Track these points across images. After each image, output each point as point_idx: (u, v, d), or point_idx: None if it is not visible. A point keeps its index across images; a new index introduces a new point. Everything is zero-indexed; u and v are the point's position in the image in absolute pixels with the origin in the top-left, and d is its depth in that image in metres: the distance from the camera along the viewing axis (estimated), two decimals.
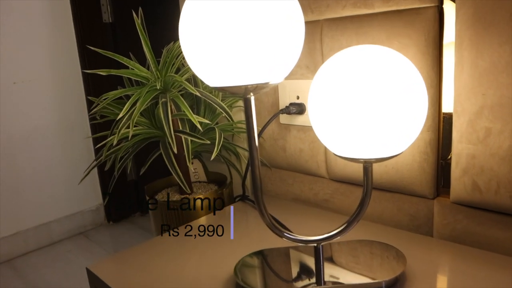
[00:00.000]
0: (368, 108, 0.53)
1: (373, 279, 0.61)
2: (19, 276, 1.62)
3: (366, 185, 0.61)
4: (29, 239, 1.82)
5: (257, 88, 0.55)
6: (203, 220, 0.91)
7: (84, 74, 1.85)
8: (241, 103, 1.06)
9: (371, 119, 0.53)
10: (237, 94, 0.56)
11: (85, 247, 1.84)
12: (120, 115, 0.82)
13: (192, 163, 1.12)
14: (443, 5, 0.69)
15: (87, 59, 1.82)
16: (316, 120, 0.59)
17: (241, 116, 1.07)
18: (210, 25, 0.50)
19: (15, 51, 1.68)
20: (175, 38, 1.07)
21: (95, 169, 1.97)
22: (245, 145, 1.07)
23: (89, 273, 0.75)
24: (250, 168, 0.59)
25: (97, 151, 1.88)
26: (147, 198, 1.01)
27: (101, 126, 1.85)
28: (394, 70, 0.52)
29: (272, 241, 0.78)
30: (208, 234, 0.83)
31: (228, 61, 0.51)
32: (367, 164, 0.60)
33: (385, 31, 0.74)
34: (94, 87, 1.84)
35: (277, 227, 0.61)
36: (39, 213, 1.85)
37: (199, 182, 1.13)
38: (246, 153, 1.05)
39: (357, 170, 0.83)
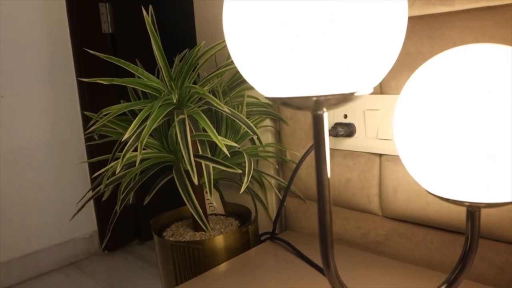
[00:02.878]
0: (485, 134, 0.36)
1: None
2: None
3: (470, 236, 0.44)
4: (12, 271, 1.61)
5: (332, 101, 0.38)
6: (224, 267, 0.73)
7: (80, 87, 1.67)
8: (267, 122, 0.89)
9: (488, 148, 0.37)
10: (303, 108, 0.40)
11: (77, 279, 1.64)
12: (126, 136, 0.65)
13: (207, 193, 0.94)
14: None
15: (84, 71, 1.65)
16: (406, 148, 0.43)
17: (266, 139, 0.90)
18: (271, 14, 0.33)
19: (3, 62, 1.50)
20: (187, 45, 0.91)
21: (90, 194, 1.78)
22: (272, 172, 0.90)
23: None
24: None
25: (94, 174, 1.69)
26: (154, 235, 0.83)
27: (98, 148, 1.66)
28: None
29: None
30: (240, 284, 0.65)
31: (295, 62, 0.34)
32: (474, 209, 0.43)
33: (471, 32, 0.58)
34: (91, 101, 1.67)
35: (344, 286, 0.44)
36: (24, 242, 1.64)
37: (215, 215, 0.95)
38: (274, 181, 0.88)
39: (426, 208, 0.66)
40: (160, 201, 0.92)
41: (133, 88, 0.83)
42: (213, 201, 0.92)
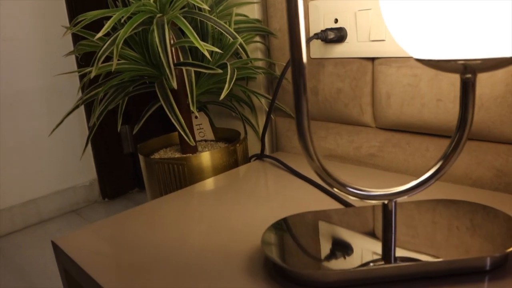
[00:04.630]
0: None
1: (469, 254, 0.39)
2: (3, 257, 1.42)
3: (464, 109, 0.40)
4: (15, 217, 1.62)
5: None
6: (211, 182, 0.70)
7: (74, 35, 1.62)
8: (257, 39, 0.84)
9: None
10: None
11: (77, 226, 1.64)
12: (99, 35, 0.61)
13: (196, 117, 0.91)
14: None
15: (75, 4, 1.58)
16: (393, 12, 0.38)
17: (257, 57, 0.85)
18: None
19: None
20: None
21: (89, 142, 1.76)
22: (263, 91, 0.85)
23: (55, 247, 0.54)
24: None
25: (89, 118, 1.66)
26: (139, 155, 0.80)
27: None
28: None
29: (306, 206, 0.57)
30: (218, 198, 0.62)
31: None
32: (468, 74, 0.39)
33: None
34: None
35: (332, 176, 0.40)
36: (25, 189, 1.64)
37: (205, 141, 0.92)
38: (264, 101, 0.84)
39: (420, 111, 0.61)
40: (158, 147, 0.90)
41: None
42: (199, 125, 0.88)
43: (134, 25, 0.65)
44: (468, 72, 0.38)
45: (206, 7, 0.62)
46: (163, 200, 0.63)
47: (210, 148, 0.85)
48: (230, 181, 0.69)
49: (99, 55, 0.63)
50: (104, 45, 0.64)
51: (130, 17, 0.66)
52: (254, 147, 0.90)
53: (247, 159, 0.84)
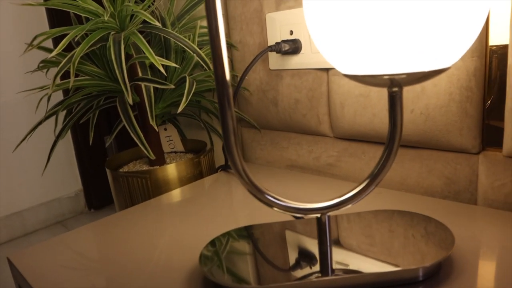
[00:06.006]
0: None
1: (402, 265, 0.40)
2: None
3: (393, 121, 0.40)
4: None
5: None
6: (174, 194, 0.71)
7: (55, 41, 1.63)
8: None
9: (403, 9, 0.33)
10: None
11: None
12: (53, 53, 0.61)
13: (166, 129, 0.91)
14: None
15: (57, 18, 1.60)
16: (317, 22, 0.39)
17: None
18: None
19: None
20: None
21: (73, 152, 1.77)
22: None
23: (11, 264, 0.55)
24: (223, 125, 0.38)
25: (74, 129, 1.67)
26: (106, 169, 0.81)
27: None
28: None
29: (262, 218, 0.57)
30: (178, 210, 0.63)
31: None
32: (395, 88, 0.40)
33: None
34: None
35: (262, 191, 0.40)
36: (10, 201, 1.65)
37: (175, 152, 0.93)
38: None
39: (372, 121, 0.62)
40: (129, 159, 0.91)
41: (74, 13, 0.79)
42: (169, 136, 0.89)
43: (91, 43, 0.66)
44: (394, 86, 0.39)
45: (157, 23, 0.63)
46: (120, 215, 0.64)
47: (179, 160, 0.86)
48: (193, 194, 0.69)
49: (55, 73, 0.64)
50: (61, 63, 0.64)
51: (88, 34, 0.67)
52: (223, 157, 0.91)
53: (213, 170, 0.84)
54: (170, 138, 0.92)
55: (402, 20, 0.33)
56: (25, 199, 1.68)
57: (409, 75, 0.37)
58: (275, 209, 0.41)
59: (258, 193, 0.40)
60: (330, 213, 0.43)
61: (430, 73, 0.37)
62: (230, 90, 0.37)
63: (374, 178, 0.40)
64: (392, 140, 0.40)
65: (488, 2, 0.35)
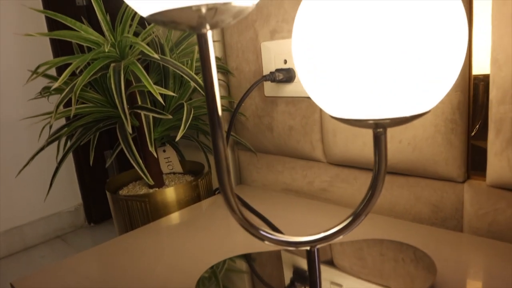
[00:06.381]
0: (381, 43, 0.35)
1: None
2: None
3: (378, 161, 0.43)
4: None
5: (215, 14, 0.36)
6: (173, 218, 0.73)
7: (55, 54, 1.66)
8: (218, 76, 0.87)
9: (385, 59, 0.35)
10: (188, 28, 0.38)
11: (62, 252, 1.66)
12: (56, 85, 0.64)
13: (164, 151, 0.94)
14: None
15: (60, 46, 1.64)
16: (304, 67, 0.41)
17: (222, 93, 0.89)
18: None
19: None
20: None
21: (73, 166, 1.79)
22: (225, 126, 0.89)
23: None
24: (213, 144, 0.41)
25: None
26: (106, 192, 0.83)
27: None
28: None
29: (258, 245, 0.60)
30: (176, 234, 0.65)
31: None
32: (379, 128, 0.42)
33: None
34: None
35: (254, 226, 0.43)
36: (10, 216, 1.67)
37: (174, 173, 0.95)
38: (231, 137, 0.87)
39: (363, 149, 0.65)
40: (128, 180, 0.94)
41: (77, 44, 0.82)
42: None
43: (92, 73, 0.68)
44: (379, 127, 0.41)
45: (155, 55, 0.66)
46: (121, 239, 0.66)
47: (177, 181, 0.88)
48: (191, 217, 0.72)
49: (58, 102, 0.66)
50: (64, 91, 0.67)
51: (89, 62, 0.70)
52: None
53: (211, 192, 0.87)
54: (168, 160, 0.94)
55: (386, 71, 0.36)
56: (25, 213, 1.70)
57: (392, 119, 0.39)
58: (267, 242, 0.43)
59: (251, 228, 0.42)
60: (319, 246, 0.45)
61: (411, 117, 0.39)
62: (223, 128, 0.40)
63: (357, 216, 0.42)
64: (377, 176, 0.43)
65: (463, 53, 0.38)
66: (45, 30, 1.63)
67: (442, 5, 0.34)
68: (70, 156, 1.77)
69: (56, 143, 0.78)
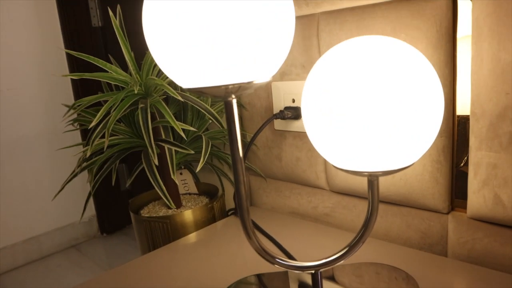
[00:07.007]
0: (374, 112, 0.44)
1: None
2: None
3: (371, 201, 0.52)
4: (17, 254, 1.73)
5: (239, 89, 0.46)
6: (190, 238, 0.82)
7: (73, 81, 1.76)
8: None
9: (377, 124, 0.44)
10: (217, 97, 0.47)
11: (77, 261, 1.75)
12: (93, 124, 0.74)
13: (181, 174, 1.03)
14: None
15: (76, 65, 1.74)
16: (311, 127, 0.50)
17: None
18: (181, 15, 0.41)
19: (1, 59, 1.59)
20: None
21: (86, 178, 1.88)
22: None
23: None
24: (236, 178, 0.50)
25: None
26: (130, 212, 0.92)
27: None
28: (404, 65, 0.43)
29: (267, 265, 0.68)
30: (194, 254, 0.74)
31: (204, 57, 0.42)
32: (373, 178, 0.51)
33: (390, 22, 0.65)
34: (84, 94, 1.76)
35: (268, 253, 0.52)
36: (27, 226, 1.76)
37: (189, 194, 1.04)
38: None
39: (361, 181, 0.74)
40: (151, 185, 1.02)
41: (106, 82, 0.91)
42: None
43: (122, 110, 0.78)
44: (372, 177, 0.50)
45: (179, 97, 0.75)
46: (145, 259, 0.75)
47: (193, 202, 0.98)
48: (207, 236, 0.80)
49: (93, 137, 0.76)
50: (97, 128, 0.76)
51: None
52: (232, 201, 1.02)
53: (225, 213, 0.96)
54: (185, 182, 1.04)
55: (379, 136, 0.45)
56: (41, 224, 1.79)
57: (383, 171, 0.48)
58: (277, 266, 0.52)
59: (265, 254, 0.51)
60: (322, 270, 0.54)
61: (399, 169, 0.48)
62: (242, 169, 0.49)
63: (353, 247, 0.51)
64: (370, 215, 0.52)
65: (439, 121, 0.47)
66: (64, 57, 1.73)
67: (422, 84, 0.43)
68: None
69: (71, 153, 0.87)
